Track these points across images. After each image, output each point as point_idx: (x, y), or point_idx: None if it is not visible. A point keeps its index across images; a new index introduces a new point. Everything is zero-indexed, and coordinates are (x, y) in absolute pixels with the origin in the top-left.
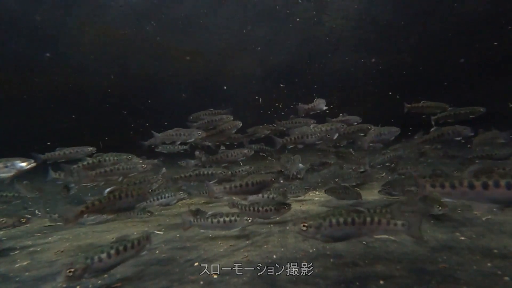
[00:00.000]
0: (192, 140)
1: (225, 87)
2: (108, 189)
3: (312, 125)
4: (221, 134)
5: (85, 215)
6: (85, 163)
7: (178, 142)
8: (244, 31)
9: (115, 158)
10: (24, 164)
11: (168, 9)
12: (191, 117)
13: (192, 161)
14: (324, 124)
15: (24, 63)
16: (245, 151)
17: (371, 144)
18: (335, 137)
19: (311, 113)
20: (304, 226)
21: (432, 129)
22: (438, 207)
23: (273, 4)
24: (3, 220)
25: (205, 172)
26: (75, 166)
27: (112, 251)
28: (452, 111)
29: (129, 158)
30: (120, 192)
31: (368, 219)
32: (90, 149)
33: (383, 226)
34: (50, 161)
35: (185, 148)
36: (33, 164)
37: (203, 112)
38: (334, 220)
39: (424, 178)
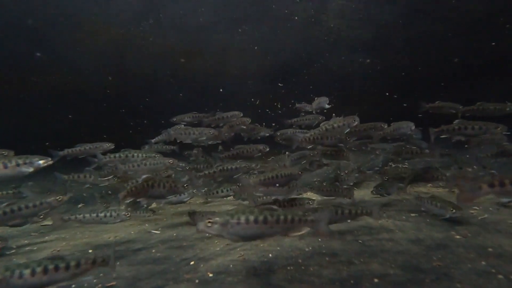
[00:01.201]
0: (204, 138)
1: (221, 90)
2: (143, 177)
3: (322, 123)
4: (231, 130)
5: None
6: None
7: (188, 141)
8: (240, 30)
9: (143, 155)
10: (41, 161)
11: (166, 7)
12: (175, 119)
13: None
14: (336, 120)
15: (21, 62)
16: (261, 147)
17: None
18: (346, 131)
19: (317, 111)
20: (209, 223)
21: (455, 121)
22: (452, 210)
23: (271, 3)
24: (59, 198)
25: (230, 167)
26: (106, 157)
27: (39, 269)
28: (480, 105)
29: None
30: (154, 181)
31: (282, 217)
32: (108, 145)
33: (295, 224)
34: (70, 157)
35: (173, 148)
36: (50, 162)
37: (186, 114)
38: (242, 218)
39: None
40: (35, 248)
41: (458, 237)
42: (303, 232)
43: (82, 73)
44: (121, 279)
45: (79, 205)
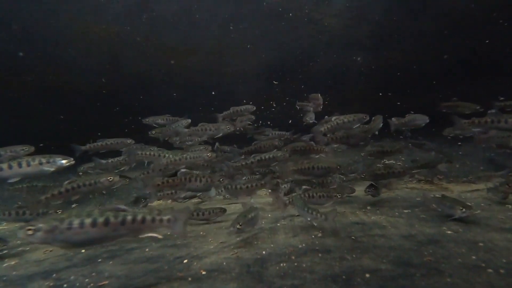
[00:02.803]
0: (220, 135)
1: (213, 93)
2: (181, 171)
3: (334, 117)
4: (238, 125)
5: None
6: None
7: (204, 138)
8: (231, 27)
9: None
10: (64, 161)
11: (159, 5)
12: (147, 120)
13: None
14: (346, 116)
15: (13, 62)
16: (276, 142)
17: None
18: (356, 126)
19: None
20: (29, 230)
21: (489, 112)
22: (462, 209)
23: (265, 1)
24: (110, 178)
25: (266, 157)
26: (140, 153)
27: None
28: None
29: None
30: (190, 176)
31: (129, 218)
32: (129, 141)
33: (147, 224)
34: (91, 152)
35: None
36: (72, 162)
37: (159, 116)
38: (75, 222)
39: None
40: (27, 248)
41: (449, 232)
42: (156, 234)
43: (75, 72)
44: (113, 278)
45: (73, 205)
